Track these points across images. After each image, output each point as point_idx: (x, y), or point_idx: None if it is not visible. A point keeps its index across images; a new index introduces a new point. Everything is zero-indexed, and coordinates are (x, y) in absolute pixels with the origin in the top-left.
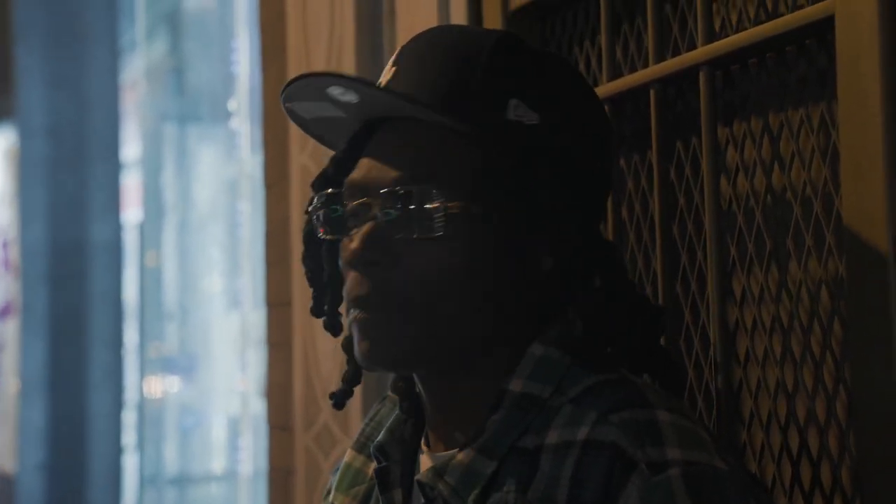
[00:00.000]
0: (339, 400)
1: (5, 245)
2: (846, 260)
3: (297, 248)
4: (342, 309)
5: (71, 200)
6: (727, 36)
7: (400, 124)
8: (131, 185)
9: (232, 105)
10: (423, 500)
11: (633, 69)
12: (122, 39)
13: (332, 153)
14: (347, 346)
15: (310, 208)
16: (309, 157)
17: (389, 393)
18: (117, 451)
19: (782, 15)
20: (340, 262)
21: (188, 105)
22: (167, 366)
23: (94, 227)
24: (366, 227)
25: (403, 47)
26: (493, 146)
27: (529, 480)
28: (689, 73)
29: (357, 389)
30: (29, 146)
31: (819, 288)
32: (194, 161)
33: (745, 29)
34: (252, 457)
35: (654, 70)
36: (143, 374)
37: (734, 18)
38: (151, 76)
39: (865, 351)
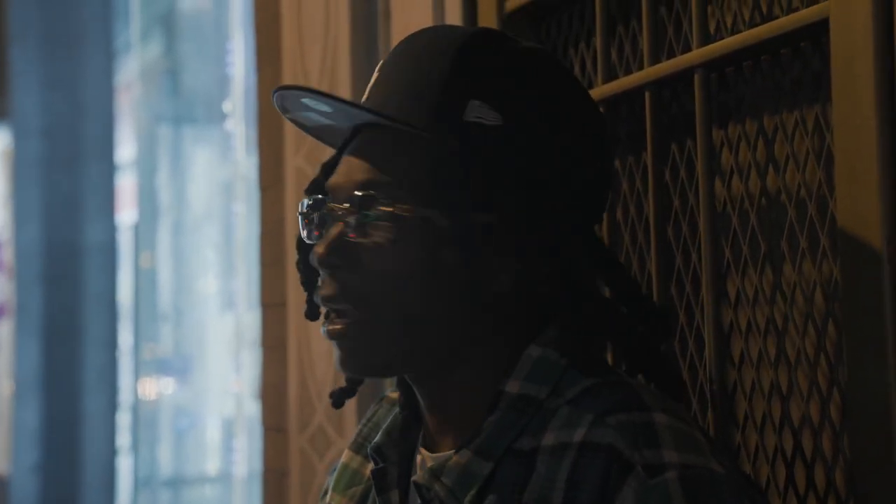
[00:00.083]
0: (339, 399)
1: (0, 246)
2: (840, 262)
3: (291, 249)
4: None
5: (66, 201)
6: (722, 38)
7: (369, 130)
8: (126, 186)
9: (227, 106)
10: (419, 501)
11: (628, 71)
12: (117, 41)
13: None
14: None
15: (299, 213)
16: (304, 159)
17: (386, 394)
18: (111, 452)
19: (777, 17)
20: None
21: (183, 106)
22: (161, 367)
23: (89, 228)
24: (331, 232)
25: (392, 49)
26: (448, 149)
27: (526, 482)
28: (684, 76)
29: None
30: (24, 147)
31: (813, 290)
32: (189, 162)
33: (740, 31)
34: (246, 458)
35: (649, 72)
36: (137, 375)
37: (729, 21)
38: (146, 77)
39: (860, 353)
